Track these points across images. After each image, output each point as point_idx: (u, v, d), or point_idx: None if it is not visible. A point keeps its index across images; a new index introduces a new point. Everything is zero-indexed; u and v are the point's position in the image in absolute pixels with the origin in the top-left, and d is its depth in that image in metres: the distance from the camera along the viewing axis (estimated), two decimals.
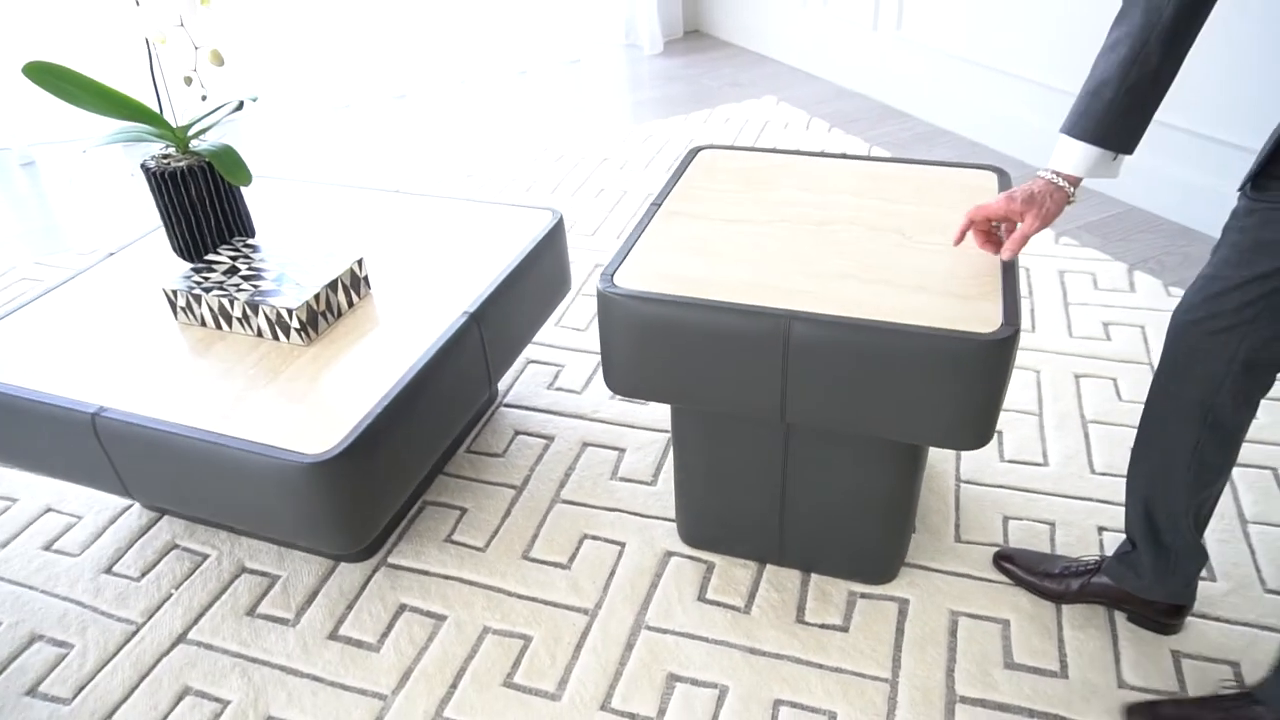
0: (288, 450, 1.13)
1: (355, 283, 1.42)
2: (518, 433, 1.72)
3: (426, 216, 1.68)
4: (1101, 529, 1.44)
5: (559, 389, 1.83)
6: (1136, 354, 1.82)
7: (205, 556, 1.49)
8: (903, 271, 1.13)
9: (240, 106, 1.38)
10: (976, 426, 1.06)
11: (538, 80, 3.64)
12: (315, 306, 1.34)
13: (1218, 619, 1.29)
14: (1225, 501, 1.47)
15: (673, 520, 1.50)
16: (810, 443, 1.23)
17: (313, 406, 1.21)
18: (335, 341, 1.34)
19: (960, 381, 1.02)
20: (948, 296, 1.07)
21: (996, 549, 1.41)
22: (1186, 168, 2.29)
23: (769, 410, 1.13)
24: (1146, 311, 1.96)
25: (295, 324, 1.31)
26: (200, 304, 1.36)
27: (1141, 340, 1.87)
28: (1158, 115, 2.32)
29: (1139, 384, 1.75)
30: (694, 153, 1.49)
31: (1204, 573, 1.35)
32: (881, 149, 2.84)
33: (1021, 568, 1.35)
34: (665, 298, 1.10)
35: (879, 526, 1.29)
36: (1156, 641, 1.26)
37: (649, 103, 3.35)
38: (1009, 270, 1.11)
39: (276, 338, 1.34)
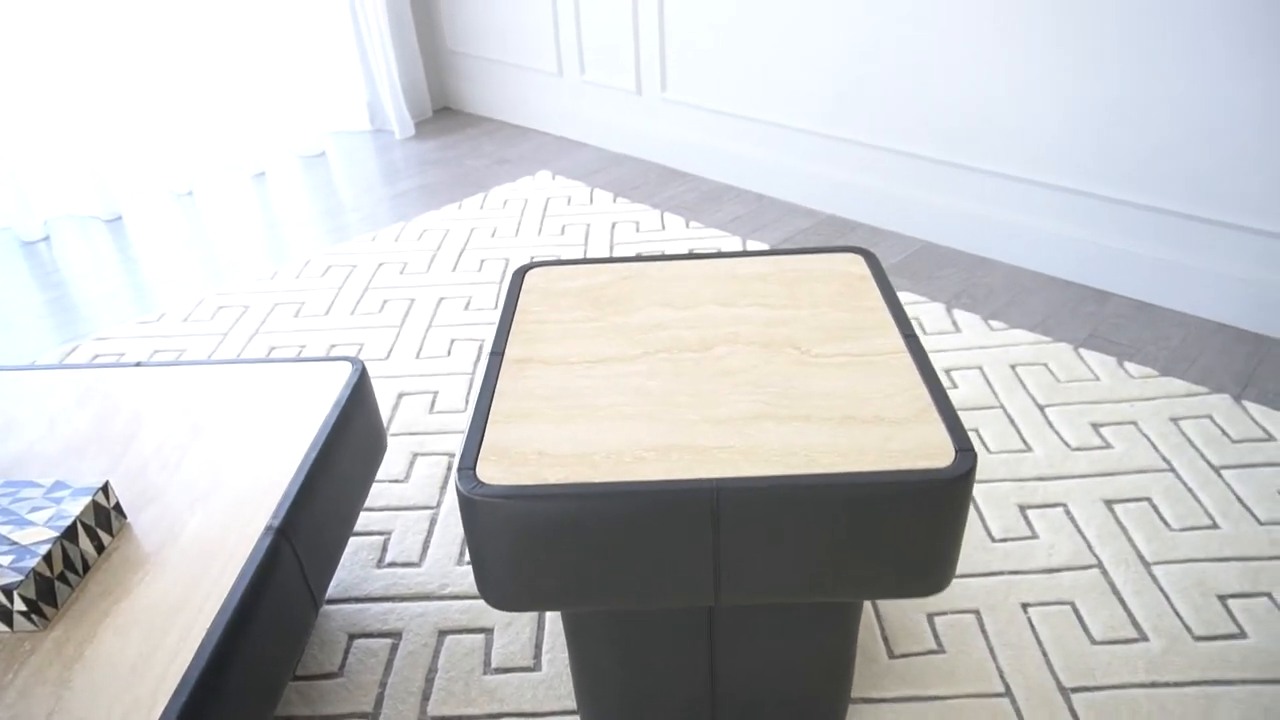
0: None
1: (104, 519, 1.05)
2: (353, 637, 1.38)
3: (184, 395, 1.32)
4: (1025, 605, 1.36)
5: (392, 564, 1.51)
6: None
7: None
8: (817, 398, 0.96)
9: None
10: (937, 570, 0.91)
11: (279, 181, 3.23)
12: (49, 571, 0.96)
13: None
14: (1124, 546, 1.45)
15: (574, 713, 1.24)
16: (739, 615, 1.03)
17: None
18: (87, 613, 0.97)
19: (921, 525, 0.87)
20: (880, 424, 0.92)
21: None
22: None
23: (699, 598, 0.92)
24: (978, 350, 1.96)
25: (19, 606, 0.92)
26: None
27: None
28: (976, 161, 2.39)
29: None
30: (521, 274, 1.26)
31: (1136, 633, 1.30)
32: (674, 214, 2.75)
33: None
34: (551, 490, 0.86)
35: (822, 681, 1.11)
36: None
37: (413, 192, 3.07)
38: (932, 379, 0.98)
39: None
